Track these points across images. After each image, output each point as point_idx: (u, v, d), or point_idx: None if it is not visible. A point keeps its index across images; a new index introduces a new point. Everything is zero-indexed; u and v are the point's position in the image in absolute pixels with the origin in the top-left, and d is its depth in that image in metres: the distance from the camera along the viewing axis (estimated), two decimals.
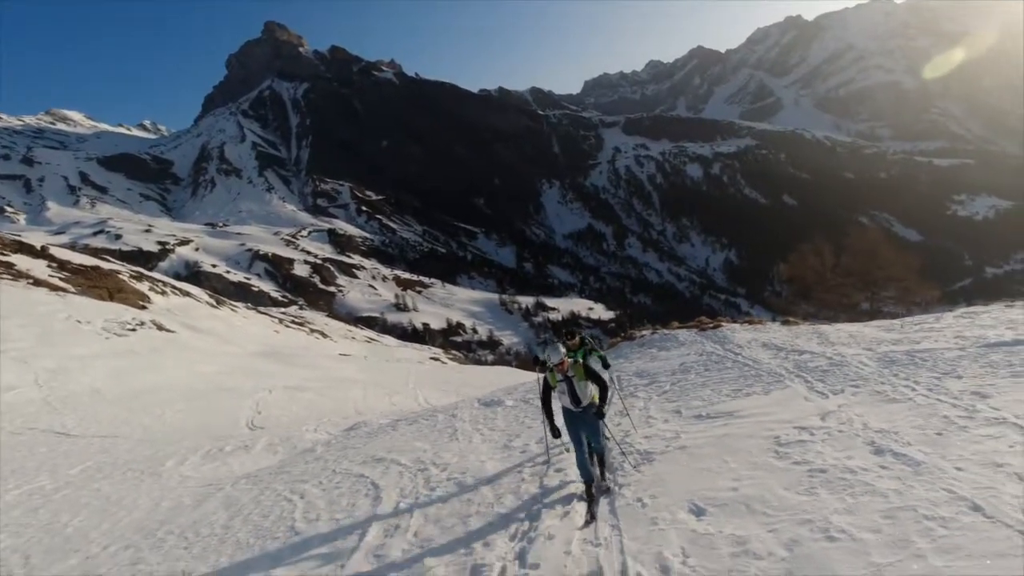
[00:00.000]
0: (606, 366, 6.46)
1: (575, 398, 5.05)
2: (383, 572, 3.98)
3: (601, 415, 5.07)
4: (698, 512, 3.96)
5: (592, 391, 5.06)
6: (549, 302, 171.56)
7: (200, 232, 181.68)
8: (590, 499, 4.89)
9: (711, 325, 11.86)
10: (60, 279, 43.34)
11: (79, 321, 32.56)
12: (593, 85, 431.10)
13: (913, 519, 3.24)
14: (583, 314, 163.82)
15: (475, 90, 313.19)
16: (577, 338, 6.01)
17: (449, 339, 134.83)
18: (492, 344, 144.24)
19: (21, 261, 45.77)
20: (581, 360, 5.14)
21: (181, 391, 24.16)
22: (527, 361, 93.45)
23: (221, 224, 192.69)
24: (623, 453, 5.65)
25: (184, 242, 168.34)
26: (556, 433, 5.15)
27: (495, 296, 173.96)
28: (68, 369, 23.93)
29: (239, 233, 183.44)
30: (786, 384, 7.20)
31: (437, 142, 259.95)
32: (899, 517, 3.30)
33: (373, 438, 10.10)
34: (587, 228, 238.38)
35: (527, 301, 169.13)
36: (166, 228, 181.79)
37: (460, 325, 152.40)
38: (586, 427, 5.10)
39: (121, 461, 11.75)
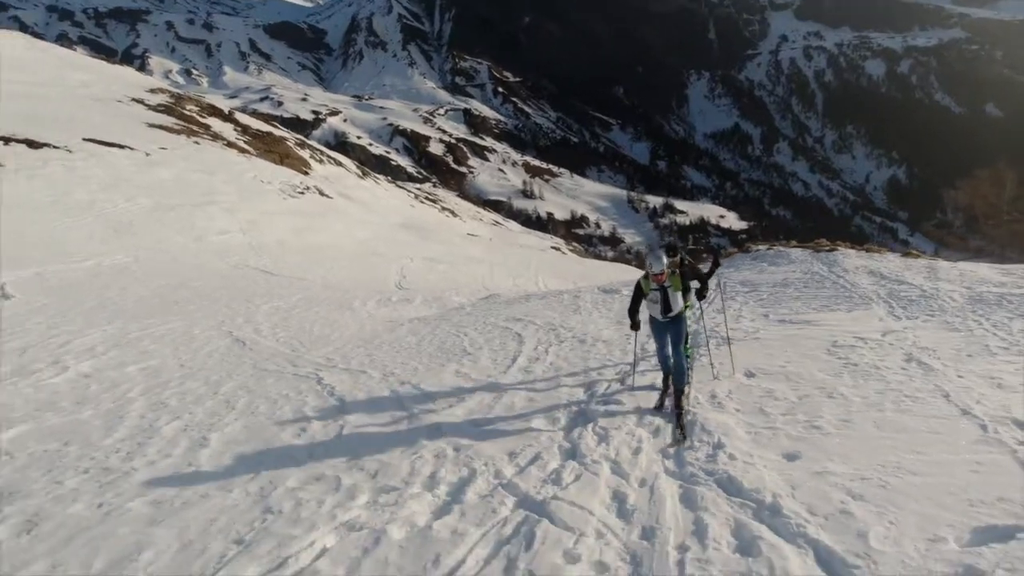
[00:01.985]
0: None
1: (666, 307, 5.25)
2: (531, 379, 6.28)
3: (703, 295, 5.50)
4: (749, 375, 5.72)
5: (683, 302, 5.33)
6: (678, 204, 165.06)
7: (348, 103, 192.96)
8: (665, 389, 5.33)
9: (826, 248, 12.50)
10: (244, 142, 50.49)
11: (262, 181, 38.72)
12: None
13: (895, 395, 4.76)
14: (713, 221, 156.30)
15: None
16: (678, 256, 6.15)
17: (571, 230, 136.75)
18: (614, 240, 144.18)
19: (214, 123, 53.54)
20: (683, 270, 5.36)
21: (342, 250, 28.93)
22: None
23: (366, 97, 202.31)
24: (709, 338, 7.40)
25: (334, 112, 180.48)
26: (636, 326, 5.55)
27: (623, 192, 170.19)
28: (260, 222, 29.44)
29: (382, 107, 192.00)
30: (870, 307, 8.30)
31: (579, 21, 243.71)
32: (887, 393, 4.83)
33: (510, 305, 12.62)
34: (733, 128, 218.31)
35: (655, 201, 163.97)
36: (319, 98, 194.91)
37: (584, 218, 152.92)
38: (671, 335, 5.30)
39: (321, 297, 15.49)
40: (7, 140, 29.27)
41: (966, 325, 6.93)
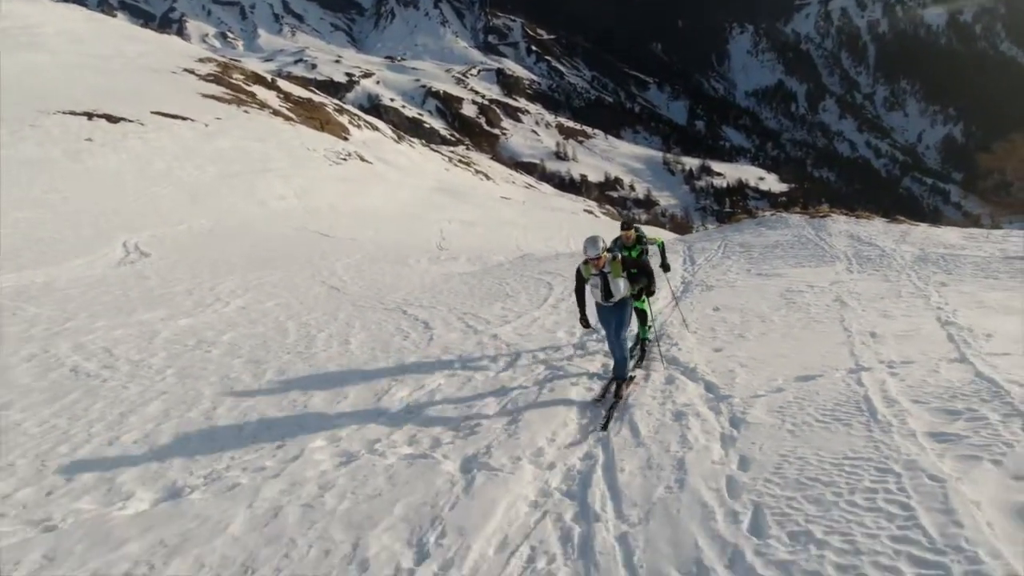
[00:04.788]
0: (663, 256, 7.12)
1: (607, 293, 5.24)
2: (557, 312, 8.63)
3: (651, 292, 5.49)
4: (715, 309, 7.95)
5: (624, 288, 5.23)
6: (716, 166, 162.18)
7: (380, 65, 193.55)
8: (613, 380, 5.30)
9: (821, 215, 14.28)
10: (287, 110, 53.05)
11: (308, 148, 41.41)
12: None
13: (807, 321, 6.92)
14: (751, 183, 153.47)
15: None
16: (633, 232, 6.40)
17: (605, 193, 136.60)
18: (648, 203, 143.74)
19: (259, 91, 56.15)
20: (624, 256, 5.41)
21: (385, 214, 31.49)
22: (682, 225, 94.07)
23: (399, 58, 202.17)
24: (696, 285, 9.56)
25: (367, 74, 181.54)
26: (585, 323, 5.54)
27: (658, 154, 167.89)
28: (311, 188, 32.19)
29: (414, 68, 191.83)
30: (834, 263, 10.29)
31: None
32: (803, 320, 6.99)
33: (542, 263, 14.92)
34: (776, 85, 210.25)
35: (692, 163, 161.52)
36: (352, 60, 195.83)
37: (618, 180, 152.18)
38: (614, 319, 5.28)
39: (378, 255, 18.01)
40: (90, 115, 32.51)
41: (897, 277, 8.92)
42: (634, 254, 6.24)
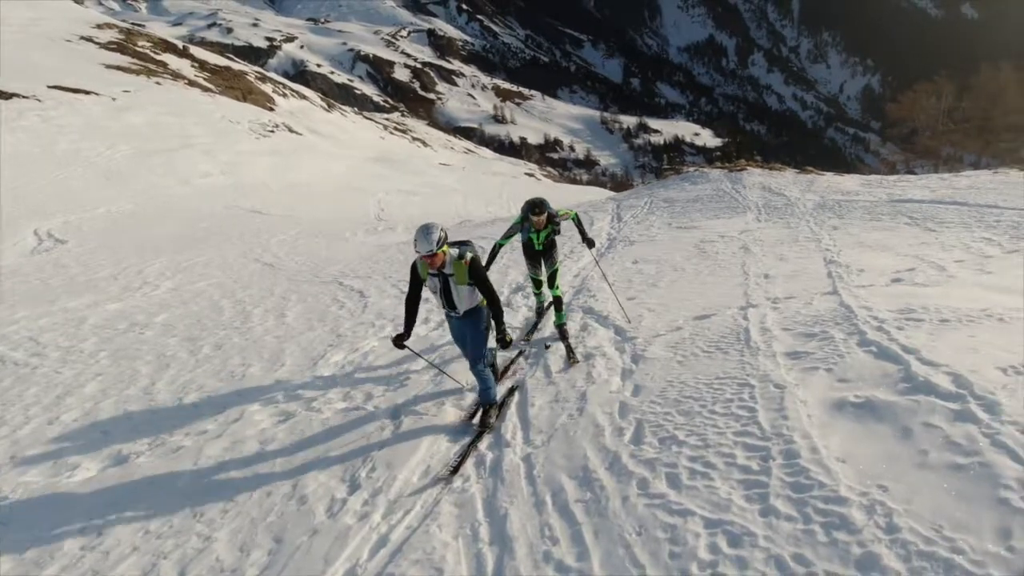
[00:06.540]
0: (582, 230, 5.93)
1: (449, 301, 4.02)
2: (490, 274, 9.02)
3: (504, 343, 3.97)
4: (634, 261, 8.56)
5: (472, 299, 4.06)
6: (653, 123, 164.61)
7: (303, 28, 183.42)
8: (475, 412, 4.22)
9: (739, 168, 15.20)
10: (204, 79, 50.02)
11: (231, 121, 39.47)
12: None
13: (714, 267, 7.61)
14: (687, 139, 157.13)
15: None
16: (545, 215, 5.27)
17: (545, 155, 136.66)
18: (588, 163, 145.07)
19: (170, 60, 52.63)
20: (472, 257, 4.00)
21: (320, 187, 30.77)
22: (623, 183, 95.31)
23: (322, 20, 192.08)
24: (619, 241, 10.17)
25: (289, 39, 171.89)
26: (398, 341, 4.07)
27: (596, 113, 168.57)
28: (238, 163, 30.95)
29: (340, 31, 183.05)
30: (745, 214, 11.13)
31: None
32: (711, 267, 7.68)
33: (478, 228, 15.25)
34: (707, 40, 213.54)
35: (629, 121, 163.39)
36: (271, 23, 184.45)
37: (557, 142, 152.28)
38: (468, 334, 4.15)
39: (315, 231, 17.80)
40: None
41: (798, 224, 9.81)
42: (542, 237, 5.50)
